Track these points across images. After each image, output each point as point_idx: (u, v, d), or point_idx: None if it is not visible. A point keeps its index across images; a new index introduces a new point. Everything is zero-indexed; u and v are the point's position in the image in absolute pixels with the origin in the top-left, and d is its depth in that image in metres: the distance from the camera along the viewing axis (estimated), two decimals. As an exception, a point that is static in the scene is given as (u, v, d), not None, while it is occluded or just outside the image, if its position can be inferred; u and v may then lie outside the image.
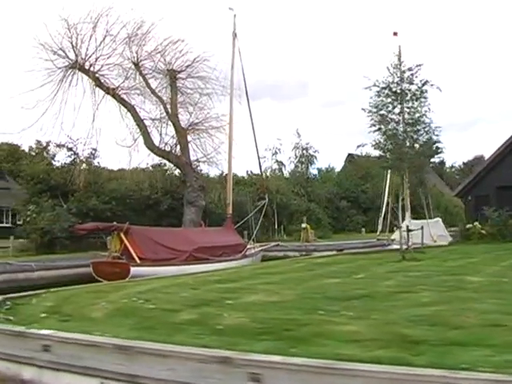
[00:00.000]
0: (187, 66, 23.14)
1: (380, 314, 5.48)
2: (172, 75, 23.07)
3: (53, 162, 54.14)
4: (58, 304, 6.89)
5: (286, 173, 37.45)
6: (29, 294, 7.83)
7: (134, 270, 15.88)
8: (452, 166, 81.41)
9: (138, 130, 21.80)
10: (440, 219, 31.15)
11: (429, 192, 31.90)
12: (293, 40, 75.96)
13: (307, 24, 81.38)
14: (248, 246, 20.60)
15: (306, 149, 37.71)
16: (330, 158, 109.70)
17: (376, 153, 20.70)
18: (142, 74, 22.37)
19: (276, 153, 34.82)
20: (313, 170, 40.54)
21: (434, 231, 27.35)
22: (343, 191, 39.56)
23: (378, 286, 7.63)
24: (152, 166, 30.80)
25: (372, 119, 17.66)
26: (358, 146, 21.00)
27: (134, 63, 22.29)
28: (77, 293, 7.82)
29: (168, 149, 22.41)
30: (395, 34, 27.62)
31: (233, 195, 30.13)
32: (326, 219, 33.19)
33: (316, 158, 38.76)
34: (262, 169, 33.91)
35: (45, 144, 53.81)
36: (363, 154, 46.98)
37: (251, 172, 32.84)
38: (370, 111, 17.68)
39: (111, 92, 21.43)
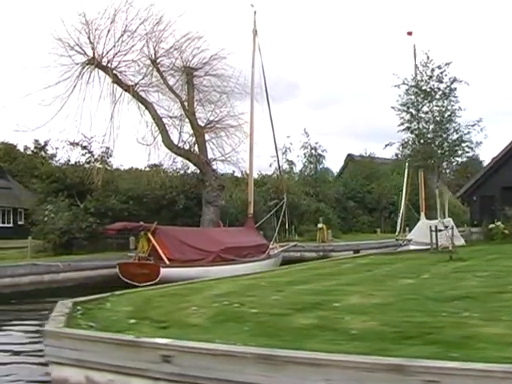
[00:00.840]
0: (204, 64, 22.75)
1: (507, 316, 5.21)
2: (189, 72, 22.67)
3: (50, 161, 53.91)
4: (140, 309, 6.46)
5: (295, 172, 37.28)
6: (95, 298, 7.42)
7: (163, 271, 15.51)
8: (446, 166, 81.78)
9: (157, 128, 21.36)
10: (451, 219, 30.96)
11: (445, 192, 31.62)
12: (279, 40, 75.24)
13: (299, 23, 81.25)
14: (270, 247, 20.31)
15: (315, 148, 37.60)
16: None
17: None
18: (159, 71, 21.93)
19: (286, 152, 34.60)
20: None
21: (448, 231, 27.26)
22: (349, 191, 39.47)
23: (465, 287, 7.34)
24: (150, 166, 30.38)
25: (402, 118, 17.57)
26: (386, 145, 20.90)
27: (151, 60, 21.84)
28: (151, 296, 7.42)
29: (187, 147, 22.01)
30: (409, 33, 27.56)
31: (247, 195, 29.90)
32: (335, 219, 33.03)
33: (324, 157, 38.74)
34: (274, 168, 33.74)
35: (43, 143, 53.64)
36: (367, 155, 47.19)
37: (259, 172, 32.55)
38: (398, 109, 17.60)
39: (129, 89, 20.96)
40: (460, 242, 27.27)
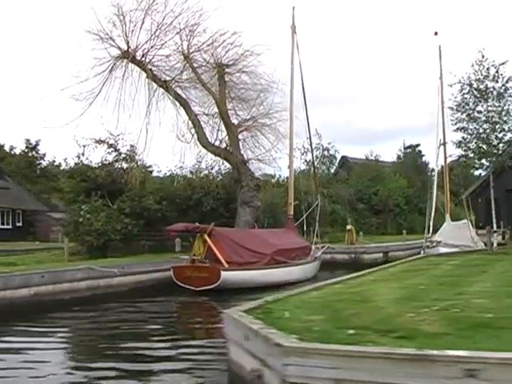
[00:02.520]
0: (237, 60, 22.04)
1: None
2: (221, 69, 21.95)
3: (43, 161, 52.02)
4: (334, 317, 5.76)
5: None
6: (256, 306, 6.71)
7: (224, 274, 14.83)
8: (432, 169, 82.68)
9: (192, 126, 20.59)
10: (468, 222, 30.68)
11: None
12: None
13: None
14: (313, 248, 19.84)
15: (327, 149, 37.31)
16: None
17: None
18: (192, 67, 21.14)
19: (305, 153, 34.13)
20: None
21: (473, 233, 27.20)
22: (355, 193, 39.37)
23: None
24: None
25: (457, 118, 17.37)
26: (440, 145, 20.94)
27: (184, 55, 21.04)
28: (323, 301, 6.79)
29: (223, 146, 21.29)
30: (436, 33, 27.54)
31: (266, 196, 29.27)
32: (352, 221, 32.69)
33: (337, 158, 38.46)
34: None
35: (34, 143, 51.70)
36: (373, 157, 47.45)
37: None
38: (453, 108, 17.42)
39: (165, 85, 20.14)
40: (481, 244, 27.16)
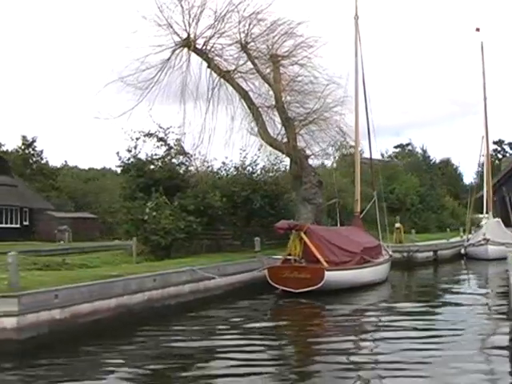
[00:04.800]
0: (292, 52, 21.09)
1: None
2: (277, 60, 20.98)
3: (39, 159, 49.54)
4: None
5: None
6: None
7: (328, 274, 13.98)
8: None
9: (254, 119, 19.58)
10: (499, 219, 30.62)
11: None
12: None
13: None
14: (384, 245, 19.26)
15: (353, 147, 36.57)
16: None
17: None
18: (250, 58, 20.12)
19: (339, 149, 33.27)
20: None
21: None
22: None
23: None
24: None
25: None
26: None
27: (241, 45, 20.00)
28: None
29: (284, 141, 20.31)
30: (477, 29, 27.42)
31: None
32: (381, 219, 32.19)
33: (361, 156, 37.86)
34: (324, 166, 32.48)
35: (30, 140, 49.20)
36: (387, 155, 47.28)
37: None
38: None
39: (227, 75, 19.07)
40: None
